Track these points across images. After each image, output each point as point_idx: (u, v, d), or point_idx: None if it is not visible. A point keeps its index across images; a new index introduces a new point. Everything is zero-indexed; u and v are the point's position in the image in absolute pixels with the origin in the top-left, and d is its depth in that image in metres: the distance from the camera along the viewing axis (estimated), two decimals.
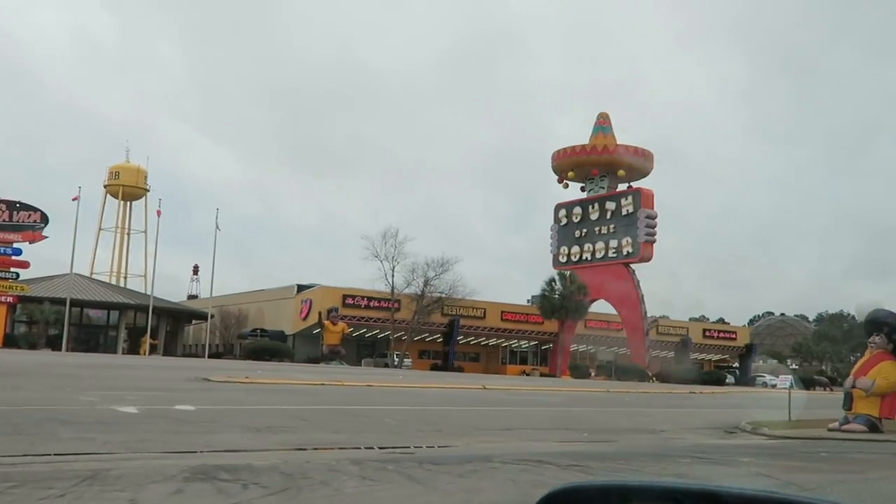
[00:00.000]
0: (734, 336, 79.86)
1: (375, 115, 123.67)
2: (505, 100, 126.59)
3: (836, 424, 16.83)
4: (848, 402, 16.97)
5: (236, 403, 17.17)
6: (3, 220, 49.37)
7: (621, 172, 66.61)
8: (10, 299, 49.99)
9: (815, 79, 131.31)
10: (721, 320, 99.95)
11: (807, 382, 52.74)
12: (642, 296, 64.15)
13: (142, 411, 14.67)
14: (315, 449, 11.24)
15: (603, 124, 68.77)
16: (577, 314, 63.73)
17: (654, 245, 63.59)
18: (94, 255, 79.05)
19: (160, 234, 57.63)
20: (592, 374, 65.60)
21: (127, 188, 77.82)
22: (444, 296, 59.86)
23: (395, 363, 56.67)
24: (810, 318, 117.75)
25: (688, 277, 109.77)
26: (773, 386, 49.11)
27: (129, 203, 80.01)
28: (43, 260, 53.63)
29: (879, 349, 17.23)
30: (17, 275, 50.15)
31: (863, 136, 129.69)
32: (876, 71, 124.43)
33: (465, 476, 7.97)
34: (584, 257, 67.25)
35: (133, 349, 56.43)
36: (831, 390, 52.48)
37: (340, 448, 11.57)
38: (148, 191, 76.97)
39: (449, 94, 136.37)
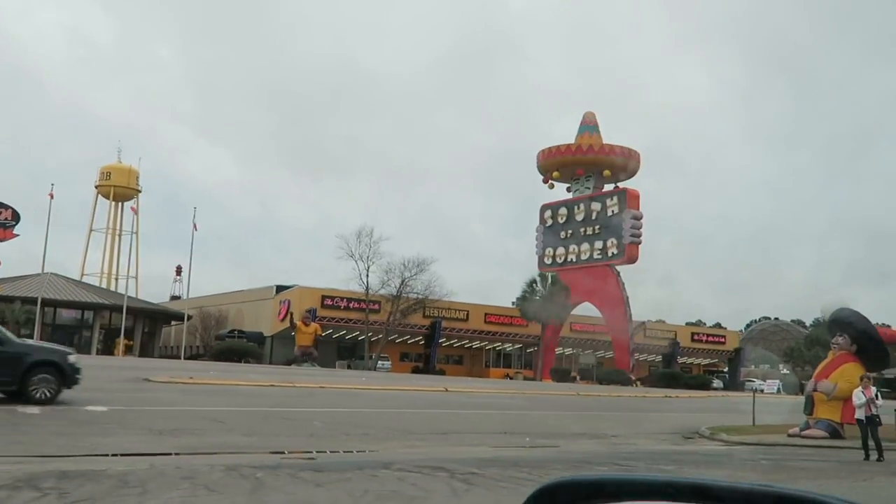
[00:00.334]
0: (723, 340, 78.87)
1: (373, 117, 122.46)
2: (503, 102, 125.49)
3: (796, 430, 15.97)
4: (809, 406, 16.10)
5: (161, 405, 16.26)
6: None
7: (607, 172, 65.62)
8: None
9: (814, 83, 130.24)
10: (718, 325, 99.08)
11: (799, 387, 51.88)
12: (627, 298, 63.08)
13: (44, 411, 13.75)
14: (208, 453, 10.33)
15: (589, 123, 67.63)
16: (558, 317, 62.68)
17: (640, 247, 62.51)
18: (85, 255, 77.95)
19: (151, 235, 57.33)
20: (577, 378, 64.31)
21: (118, 189, 76.45)
22: (420, 297, 58.76)
23: (372, 365, 55.59)
24: (807, 324, 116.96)
25: (686, 282, 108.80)
26: (762, 391, 48.37)
27: (120, 204, 78.75)
28: (41, 260, 52.92)
29: (843, 350, 16.39)
30: None
31: (861, 140, 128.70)
32: (874, 75, 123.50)
33: (326, 485, 7.13)
34: (569, 259, 66.11)
35: (108, 350, 55.34)
36: None
37: (237, 453, 10.66)
38: (139, 191, 75.80)
39: (447, 97, 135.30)
